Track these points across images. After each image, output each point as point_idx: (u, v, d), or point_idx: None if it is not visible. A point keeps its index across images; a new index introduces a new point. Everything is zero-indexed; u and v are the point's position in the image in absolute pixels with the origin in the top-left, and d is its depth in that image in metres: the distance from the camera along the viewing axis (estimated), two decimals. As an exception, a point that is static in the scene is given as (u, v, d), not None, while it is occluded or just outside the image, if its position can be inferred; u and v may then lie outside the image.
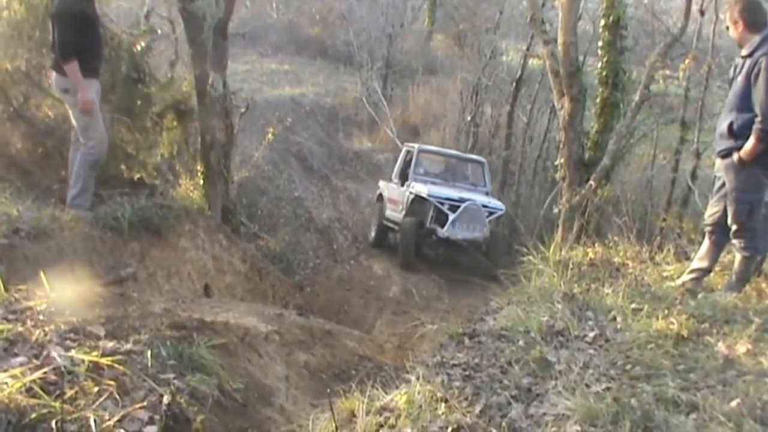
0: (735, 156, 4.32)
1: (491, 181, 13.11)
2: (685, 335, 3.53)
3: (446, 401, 2.91)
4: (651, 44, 11.89)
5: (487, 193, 12.34)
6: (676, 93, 12.47)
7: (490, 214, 11.31)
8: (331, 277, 11.00)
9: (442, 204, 11.14)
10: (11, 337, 2.75)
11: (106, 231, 5.49)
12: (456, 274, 10.42)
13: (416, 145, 13.10)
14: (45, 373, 2.47)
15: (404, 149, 13.34)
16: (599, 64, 9.56)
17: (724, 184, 4.52)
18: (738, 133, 4.33)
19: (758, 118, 4.16)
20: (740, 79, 4.36)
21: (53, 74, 5.90)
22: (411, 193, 11.63)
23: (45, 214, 5.03)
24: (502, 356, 3.51)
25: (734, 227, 4.41)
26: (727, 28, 4.58)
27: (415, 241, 11.29)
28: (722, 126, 4.48)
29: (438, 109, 19.56)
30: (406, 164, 12.70)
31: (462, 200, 11.09)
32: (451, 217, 10.92)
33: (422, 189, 11.47)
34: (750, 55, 4.33)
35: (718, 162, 4.57)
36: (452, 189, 11.83)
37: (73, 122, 5.84)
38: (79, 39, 5.57)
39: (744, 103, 4.31)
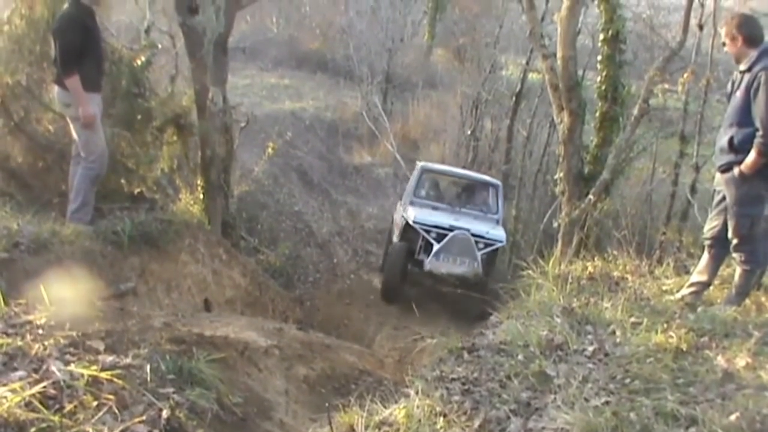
0: (736, 170, 4.34)
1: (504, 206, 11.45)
2: (685, 349, 3.54)
3: (445, 415, 2.91)
4: (650, 58, 11.90)
5: (497, 221, 10.64)
6: (675, 107, 12.47)
7: (487, 245, 9.62)
8: (331, 292, 10.98)
9: (428, 232, 9.60)
10: (10, 351, 2.75)
11: (106, 245, 5.48)
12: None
13: (421, 163, 11.64)
14: (44, 387, 2.46)
15: (416, 167, 11.67)
16: (598, 78, 9.57)
17: (723, 198, 4.54)
18: (738, 148, 4.36)
19: (759, 132, 4.18)
20: (739, 93, 4.39)
21: (55, 88, 5.93)
22: (403, 218, 10.28)
23: (45, 228, 5.04)
24: (501, 370, 3.51)
25: (735, 241, 4.43)
26: (724, 44, 4.61)
27: (402, 270, 9.74)
28: (722, 141, 4.50)
29: (438, 124, 19.57)
30: None
31: (452, 228, 9.54)
32: (436, 247, 9.45)
33: (410, 214, 9.96)
34: (748, 69, 4.35)
35: (719, 176, 4.59)
36: (449, 215, 10.20)
37: (74, 136, 5.86)
38: (81, 52, 5.60)
39: (744, 117, 4.34)
